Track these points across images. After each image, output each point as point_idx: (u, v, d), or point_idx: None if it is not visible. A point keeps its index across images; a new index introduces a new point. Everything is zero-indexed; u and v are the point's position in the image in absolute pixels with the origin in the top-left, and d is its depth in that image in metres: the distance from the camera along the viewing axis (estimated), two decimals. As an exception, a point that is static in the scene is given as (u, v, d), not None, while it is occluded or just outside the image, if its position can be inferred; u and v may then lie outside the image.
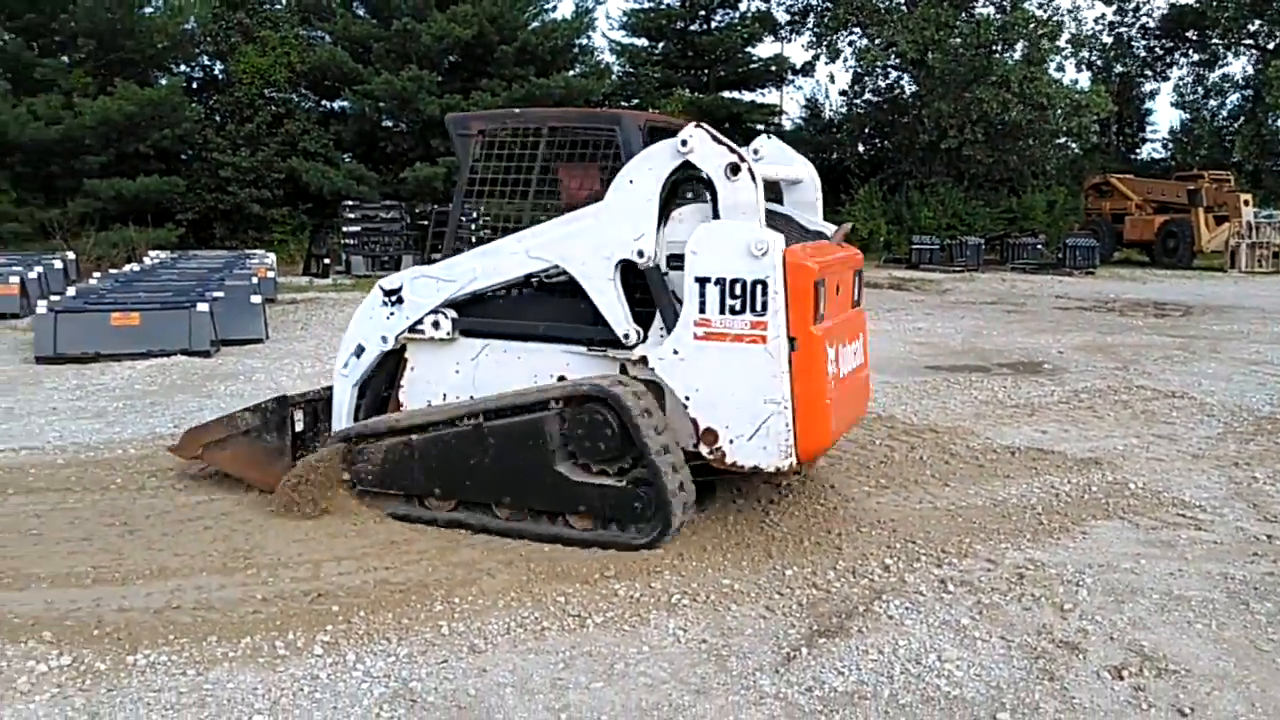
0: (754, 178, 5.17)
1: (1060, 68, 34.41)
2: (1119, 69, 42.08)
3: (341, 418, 6.02)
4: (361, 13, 29.33)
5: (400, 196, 25.82)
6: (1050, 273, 26.63)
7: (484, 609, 4.53)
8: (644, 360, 5.36)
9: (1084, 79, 38.49)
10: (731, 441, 5.21)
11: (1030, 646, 4.24)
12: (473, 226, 6.19)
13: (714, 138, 5.21)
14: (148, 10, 25.86)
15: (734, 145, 5.25)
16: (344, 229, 23.42)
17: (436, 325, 5.77)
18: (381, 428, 5.74)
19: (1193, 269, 28.48)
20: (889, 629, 4.39)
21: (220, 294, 12.70)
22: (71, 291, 13.58)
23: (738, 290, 5.14)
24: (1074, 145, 36.37)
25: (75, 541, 5.34)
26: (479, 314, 5.79)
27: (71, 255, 19.34)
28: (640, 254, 5.29)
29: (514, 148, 5.80)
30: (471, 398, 5.70)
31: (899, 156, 35.25)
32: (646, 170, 5.30)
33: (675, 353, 5.27)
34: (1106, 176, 33.28)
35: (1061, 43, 33.75)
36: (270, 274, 17.58)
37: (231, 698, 3.75)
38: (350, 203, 24.06)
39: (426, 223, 23.14)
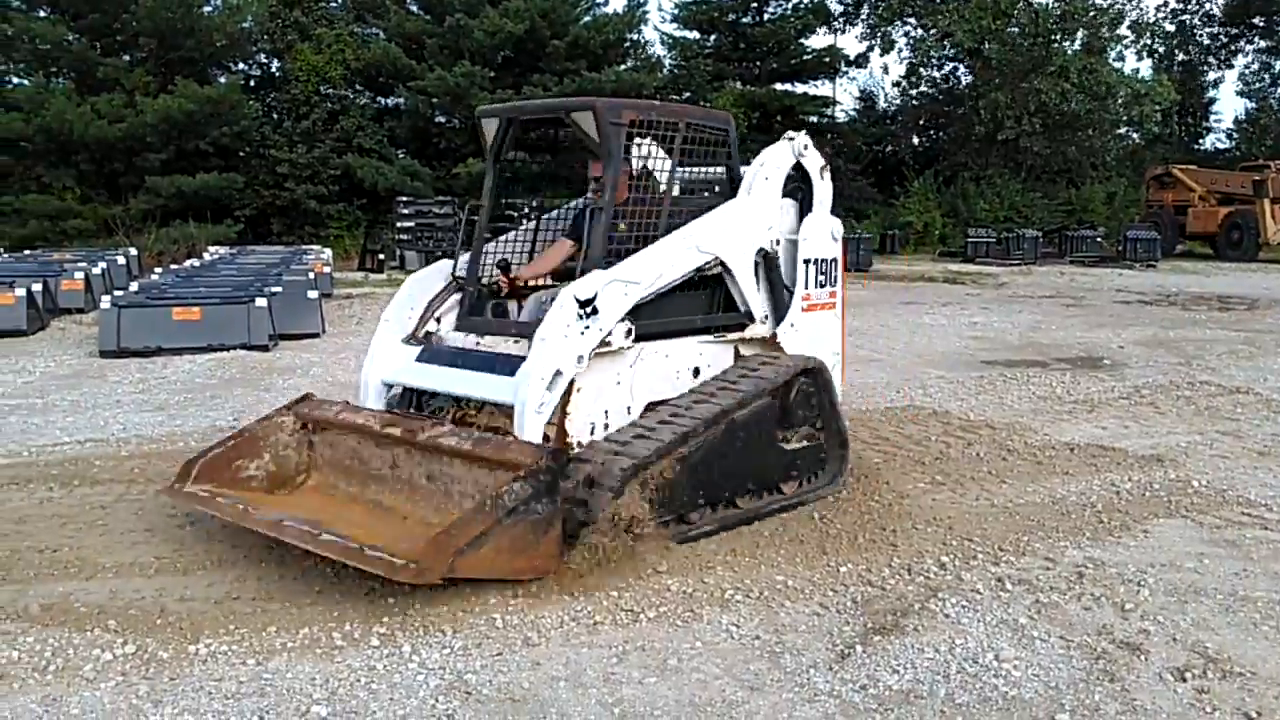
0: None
1: (1121, 56, 33.83)
2: (1182, 57, 41.22)
3: None
4: (415, 9, 29.59)
5: (453, 192, 26.02)
6: (1110, 266, 26.16)
7: (537, 602, 4.54)
8: (774, 336, 6.09)
9: (1145, 68, 37.83)
10: None
11: (1090, 647, 4.16)
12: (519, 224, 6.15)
13: (814, 143, 6.35)
14: (207, 9, 26.30)
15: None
16: (398, 224, 23.66)
17: (629, 334, 5.31)
18: (659, 453, 4.99)
19: (1258, 262, 27.81)
20: (945, 627, 4.34)
21: (278, 289, 12.91)
22: (134, 287, 13.86)
23: (824, 267, 6.36)
24: (1135, 135, 35.76)
25: (139, 533, 5.45)
26: (641, 316, 5.41)
27: (134, 251, 19.73)
28: (777, 243, 6.09)
29: (656, 141, 5.62)
30: (628, 409, 5.45)
31: (954, 148, 34.86)
32: (776, 168, 6.09)
33: (792, 326, 6.18)
34: (1169, 167, 32.60)
35: (1123, 31, 33.17)
36: (326, 269, 17.80)
37: (290, 688, 3.80)
38: (404, 198, 24.30)
39: (477, 219, 23.28)
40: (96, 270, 16.05)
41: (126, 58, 25.61)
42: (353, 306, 16.45)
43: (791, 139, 6.18)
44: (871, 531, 5.52)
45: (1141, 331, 13.80)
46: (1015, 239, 27.65)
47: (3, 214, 23.70)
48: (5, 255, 19.24)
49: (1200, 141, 42.98)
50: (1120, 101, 30.99)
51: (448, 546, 4.29)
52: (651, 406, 5.51)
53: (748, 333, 6.00)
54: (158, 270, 17.44)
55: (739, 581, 4.79)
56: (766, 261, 6.02)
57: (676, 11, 35.44)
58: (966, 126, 33.42)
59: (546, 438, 5.08)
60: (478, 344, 5.73)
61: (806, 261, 6.20)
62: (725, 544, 5.22)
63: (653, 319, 5.50)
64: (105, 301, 11.81)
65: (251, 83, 29.35)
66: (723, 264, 5.81)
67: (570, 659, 4.05)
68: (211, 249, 20.83)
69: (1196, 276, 23.66)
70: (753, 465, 5.53)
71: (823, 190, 6.31)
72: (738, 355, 6.00)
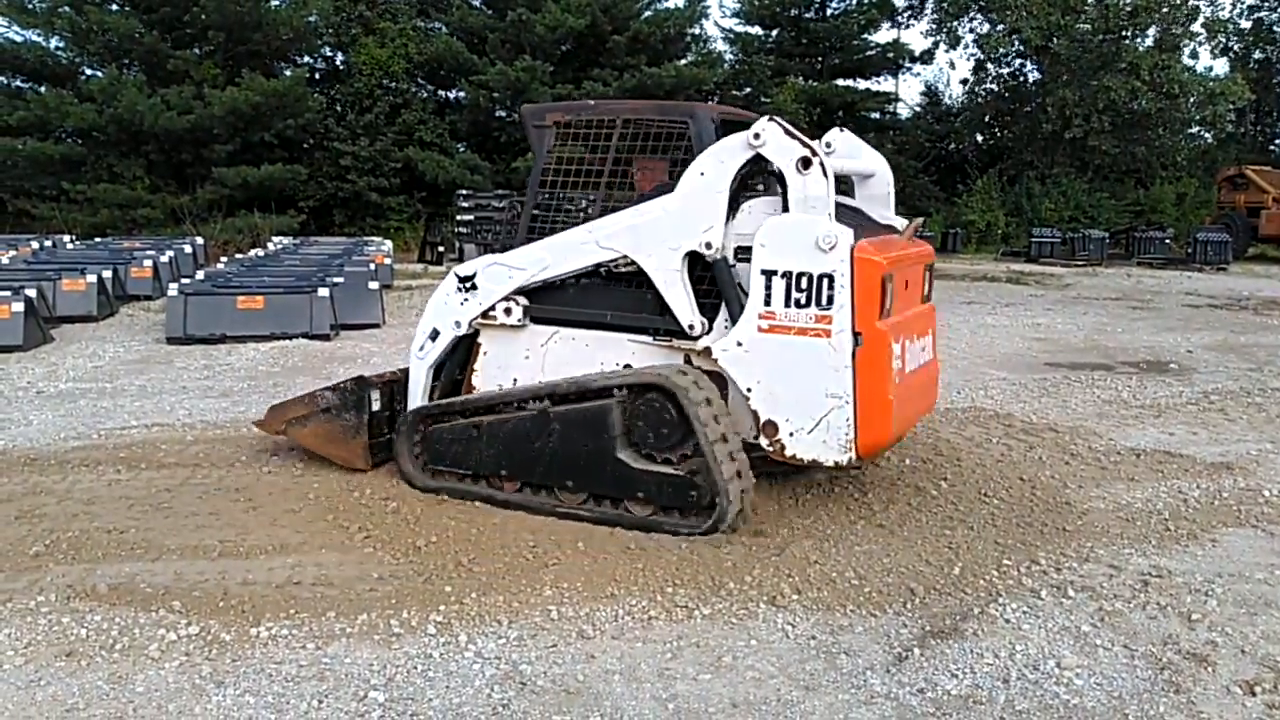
0: (825, 171, 5.19)
1: (1194, 54, 33.01)
2: (1258, 55, 40.10)
3: (416, 397, 6.21)
4: (477, 3, 29.79)
5: (512, 185, 26.16)
6: (1179, 268, 25.55)
7: (592, 596, 4.55)
8: (708, 351, 5.40)
9: (1220, 66, 36.88)
10: (791, 434, 5.25)
11: (1155, 657, 4.07)
12: (535, 215, 6.11)
13: (786, 131, 5.25)
14: (273, 3, 26.71)
15: (806, 139, 5.29)
16: (457, 217, 23.84)
17: (508, 312, 5.91)
18: (453, 408, 6.02)
19: (1334, 266, 27.03)
20: (1005, 633, 4.27)
21: (340, 280, 13.07)
22: (200, 275, 14.13)
23: (804, 284, 5.15)
24: (1207, 135, 34.87)
25: (203, 516, 5.56)
26: (549, 301, 5.89)
27: (200, 240, 20.12)
28: (708, 246, 5.35)
29: (589, 139, 5.89)
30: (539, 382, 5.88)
31: (1020, 146, 34.27)
32: (718, 163, 5.36)
33: (739, 344, 5.31)
34: (1241, 168, 31.71)
35: (1196, 28, 32.35)
36: (387, 261, 18.00)
37: (349, 673, 3.85)
38: (464, 192, 24.47)
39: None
40: (164, 259, 16.41)
41: (196, 51, 26.08)
42: (412, 298, 16.60)
43: (748, 127, 5.33)
44: (931, 534, 5.45)
45: (1211, 336, 13.46)
46: (1080, 239, 27.12)
47: (75, 202, 24.31)
48: (77, 243, 19.74)
49: (1276, 142, 41.79)
50: (1193, 100, 30.23)
51: (281, 415, 6.53)
52: None
53: (688, 343, 5.49)
54: (223, 259, 17.76)
55: (795, 581, 4.76)
56: (701, 267, 5.48)
57: (738, 6, 35.29)
58: (1033, 124, 32.83)
59: (434, 386, 6.22)
60: None
61: (768, 273, 5.20)
62: (781, 543, 5.18)
63: (564, 306, 5.86)
64: (172, 289, 12.04)
65: (316, 76, 29.73)
66: (635, 264, 5.58)
67: (625, 653, 4.05)
68: (275, 239, 21.17)
69: (1269, 280, 23.03)
70: (575, 466, 5.54)
71: (803, 187, 5.19)
72: (688, 363, 5.57)
